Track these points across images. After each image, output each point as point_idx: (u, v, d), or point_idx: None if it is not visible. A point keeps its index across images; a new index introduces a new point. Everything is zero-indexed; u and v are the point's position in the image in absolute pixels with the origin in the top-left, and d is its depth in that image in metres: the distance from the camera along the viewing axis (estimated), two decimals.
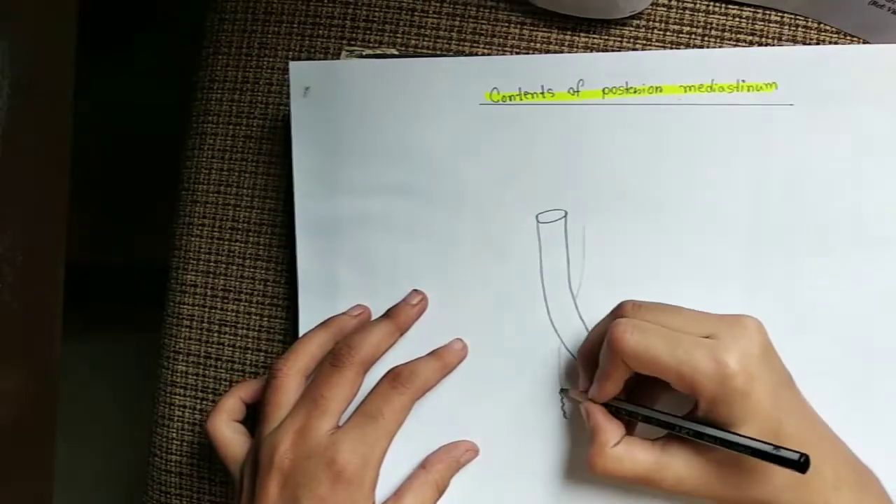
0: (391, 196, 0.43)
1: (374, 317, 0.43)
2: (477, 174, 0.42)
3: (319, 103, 0.43)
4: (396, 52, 0.46)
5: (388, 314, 0.42)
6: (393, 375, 0.39)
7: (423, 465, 0.40)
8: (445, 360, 0.41)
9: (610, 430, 0.37)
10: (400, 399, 0.39)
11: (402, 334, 0.42)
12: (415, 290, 0.42)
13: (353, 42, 0.47)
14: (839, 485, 0.34)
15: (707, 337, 0.34)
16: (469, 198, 0.42)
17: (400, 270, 0.43)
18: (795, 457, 0.31)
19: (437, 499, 0.40)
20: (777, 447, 0.31)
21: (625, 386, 0.37)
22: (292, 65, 0.43)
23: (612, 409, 0.38)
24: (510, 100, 0.42)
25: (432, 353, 0.41)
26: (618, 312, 0.37)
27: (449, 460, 0.40)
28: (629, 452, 0.36)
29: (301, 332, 0.43)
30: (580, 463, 0.41)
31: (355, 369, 0.39)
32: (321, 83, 0.43)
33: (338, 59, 0.47)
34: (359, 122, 0.43)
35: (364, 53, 0.45)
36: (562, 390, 0.41)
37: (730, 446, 0.33)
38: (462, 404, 0.42)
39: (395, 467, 0.40)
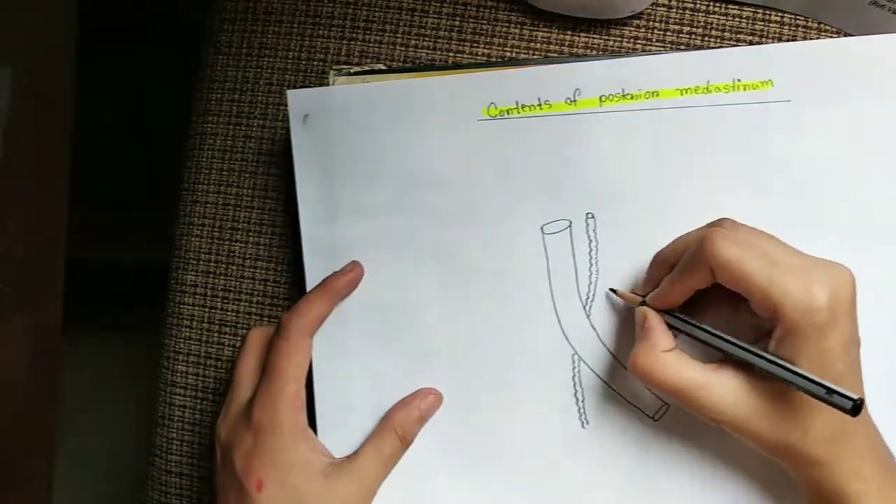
0: (396, 217, 0.43)
1: (383, 317, 0.43)
2: (480, 190, 0.42)
3: (319, 130, 0.43)
4: (384, 67, 0.46)
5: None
6: (278, 326, 0.41)
7: (384, 417, 0.42)
8: (330, 287, 0.42)
9: (663, 335, 0.37)
10: (286, 344, 0.40)
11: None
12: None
13: (352, 42, 0.47)
14: (867, 455, 0.35)
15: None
16: (473, 214, 0.42)
17: (408, 290, 0.42)
18: (853, 398, 0.32)
19: (401, 449, 0.41)
20: (830, 389, 0.32)
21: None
22: (290, 93, 0.43)
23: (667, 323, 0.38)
24: (508, 114, 0.42)
25: (319, 284, 0.42)
26: (715, 224, 0.37)
27: (407, 409, 0.41)
28: (678, 362, 0.36)
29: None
30: (600, 472, 0.41)
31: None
32: (320, 110, 0.43)
33: (336, 64, 0.47)
34: (360, 145, 0.43)
35: (353, 71, 0.45)
36: (611, 290, 0.41)
37: (783, 375, 0.33)
38: (479, 416, 0.42)
39: (410, 469, 0.41)
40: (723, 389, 0.35)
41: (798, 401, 0.34)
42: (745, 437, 0.36)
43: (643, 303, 0.39)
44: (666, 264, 0.39)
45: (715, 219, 0.38)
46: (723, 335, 0.36)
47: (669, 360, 0.36)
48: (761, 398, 0.35)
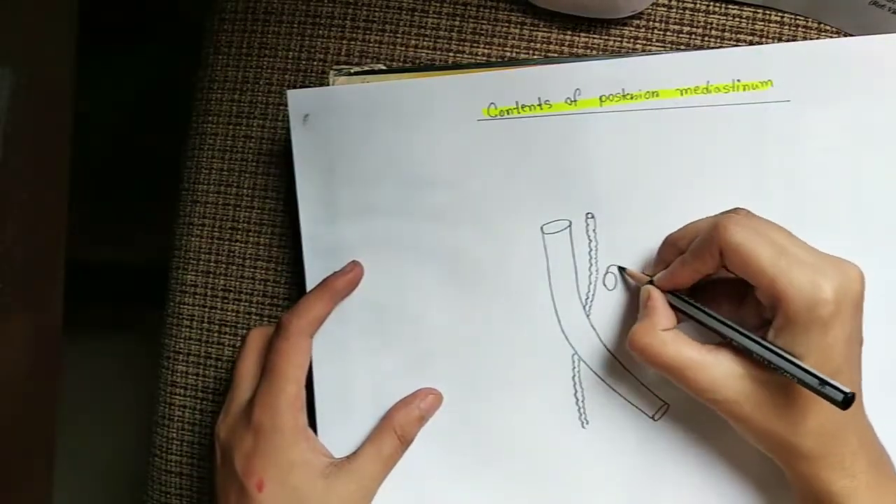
0: (396, 217, 0.43)
1: (383, 318, 0.43)
2: (480, 190, 0.42)
3: (319, 130, 0.43)
4: (384, 67, 0.46)
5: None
6: (277, 326, 0.41)
7: (384, 417, 0.42)
8: (330, 287, 0.42)
9: (665, 315, 0.37)
10: (286, 345, 0.40)
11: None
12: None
13: (353, 42, 0.47)
14: (858, 452, 0.35)
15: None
16: (473, 214, 0.42)
17: (407, 290, 0.42)
18: (844, 391, 0.31)
19: (401, 448, 0.41)
20: (823, 381, 0.32)
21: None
22: (290, 93, 0.43)
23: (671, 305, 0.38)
24: (508, 114, 0.42)
25: (319, 284, 0.42)
26: (730, 212, 0.37)
27: (407, 409, 0.41)
28: (676, 341, 0.36)
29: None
30: (600, 471, 0.41)
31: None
32: (320, 110, 0.43)
33: (336, 65, 0.47)
34: (359, 146, 0.43)
35: (353, 71, 0.45)
36: (619, 268, 0.41)
37: (778, 363, 0.33)
38: (479, 416, 0.42)
39: (410, 469, 0.41)
40: (719, 370, 0.35)
41: (793, 394, 0.34)
42: (737, 423, 0.36)
43: (650, 282, 0.39)
44: (676, 246, 0.39)
45: None
46: (723, 319, 0.36)
47: (668, 337, 0.36)
48: (756, 386, 0.35)
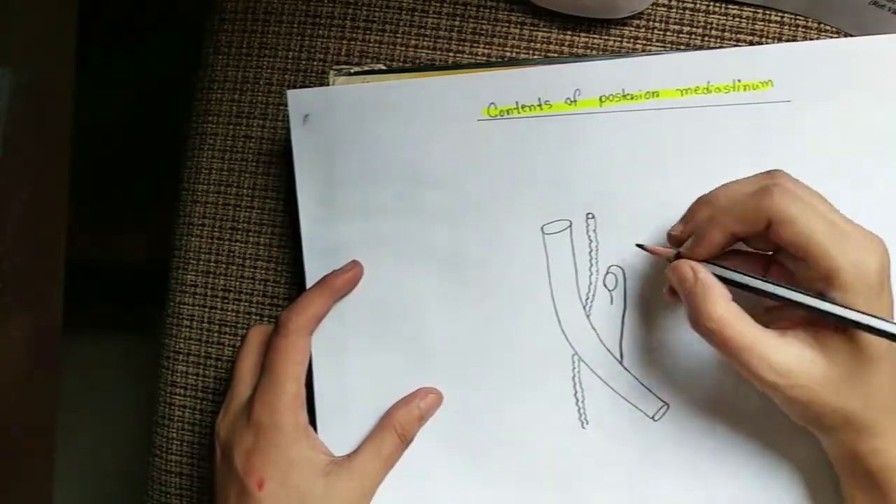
0: (396, 217, 0.43)
1: (383, 317, 0.43)
2: (480, 190, 0.42)
3: (320, 130, 0.43)
4: (384, 67, 0.46)
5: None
6: (276, 324, 0.41)
7: (384, 416, 0.42)
8: (329, 284, 0.42)
9: (724, 288, 0.35)
10: (285, 343, 0.40)
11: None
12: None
13: (353, 42, 0.47)
14: None
15: None
16: (473, 214, 0.42)
17: (407, 290, 0.42)
18: None
19: (401, 447, 0.41)
20: (884, 320, 0.32)
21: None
22: (290, 93, 0.43)
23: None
24: (508, 114, 0.42)
25: (318, 281, 0.42)
26: (773, 176, 0.35)
27: (407, 408, 0.41)
28: (743, 318, 0.34)
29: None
30: (600, 472, 0.41)
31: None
32: (320, 110, 0.43)
33: (336, 65, 0.47)
34: (360, 146, 0.43)
35: (353, 71, 0.45)
36: (638, 245, 0.39)
37: (844, 314, 0.33)
38: (478, 416, 0.42)
39: (410, 468, 0.41)
40: (790, 354, 0.34)
41: (861, 370, 0.34)
42: (800, 405, 0.35)
43: (678, 256, 0.37)
44: (711, 207, 0.36)
45: None
46: (777, 283, 0.35)
47: (735, 311, 0.35)
48: (827, 368, 0.34)
